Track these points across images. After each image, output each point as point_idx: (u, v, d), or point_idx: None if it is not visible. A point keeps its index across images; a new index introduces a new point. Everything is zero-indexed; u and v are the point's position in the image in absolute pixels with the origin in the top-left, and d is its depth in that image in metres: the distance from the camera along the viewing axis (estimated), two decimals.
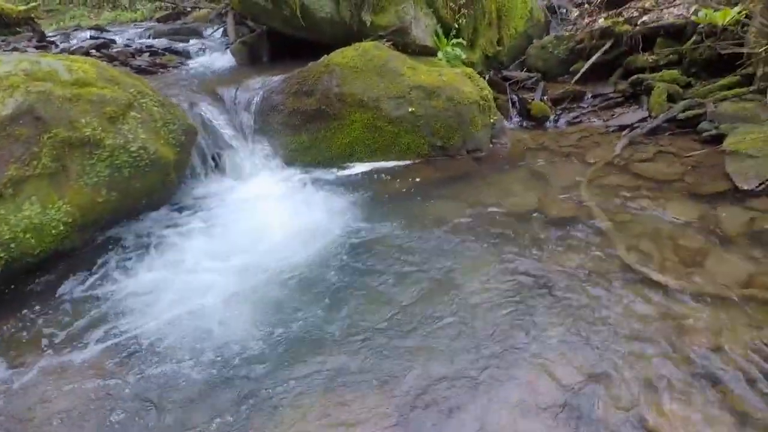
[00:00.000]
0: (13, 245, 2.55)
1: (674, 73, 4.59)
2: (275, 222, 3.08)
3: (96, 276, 2.68)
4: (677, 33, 4.81)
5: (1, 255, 2.51)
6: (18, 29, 6.06)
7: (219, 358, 2.03)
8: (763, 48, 3.76)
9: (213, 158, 3.82)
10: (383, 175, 3.75)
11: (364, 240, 2.86)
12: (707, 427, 1.60)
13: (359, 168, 3.87)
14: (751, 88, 3.96)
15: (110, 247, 2.93)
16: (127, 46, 5.90)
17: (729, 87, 4.14)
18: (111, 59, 5.20)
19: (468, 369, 1.91)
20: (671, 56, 4.75)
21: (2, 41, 5.83)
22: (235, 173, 3.79)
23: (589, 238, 2.74)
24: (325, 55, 4.02)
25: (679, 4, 5.14)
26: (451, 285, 2.43)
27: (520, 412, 1.71)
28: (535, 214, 3.05)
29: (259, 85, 4.15)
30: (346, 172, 3.83)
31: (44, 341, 2.20)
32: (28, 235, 2.60)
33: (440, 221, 3.02)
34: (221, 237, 2.99)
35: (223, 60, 5.42)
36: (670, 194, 3.12)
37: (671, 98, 4.37)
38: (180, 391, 1.89)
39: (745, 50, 4.01)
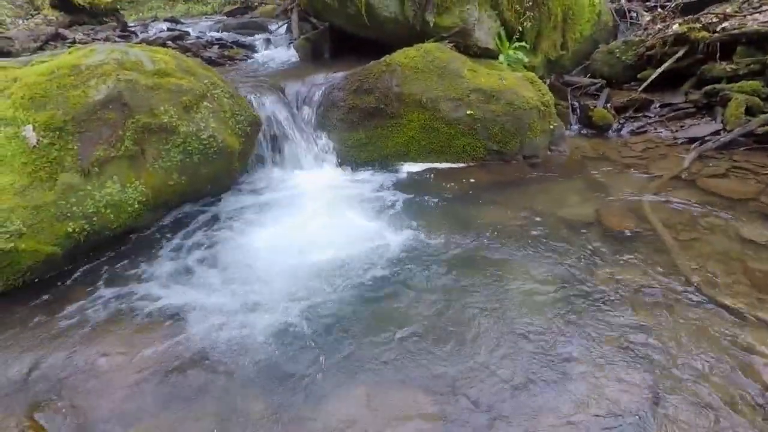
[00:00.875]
0: (95, 219, 2.79)
1: (755, 84, 4.28)
2: (325, 216, 3.18)
3: (162, 253, 2.88)
4: (761, 41, 4.48)
5: (85, 227, 2.76)
6: (105, 19, 6.55)
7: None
8: None
9: (274, 149, 3.99)
10: (437, 176, 3.77)
11: (412, 242, 2.88)
12: None
13: (413, 167, 3.91)
14: None
15: (177, 227, 3.13)
16: (199, 38, 6.24)
17: None
18: (185, 50, 5.52)
19: (514, 375, 1.90)
20: (753, 66, 4.43)
21: (91, 30, 6.33)
22: (294, 165, 3.93)
23: (649, 255, 2.63)
24: (387, 55, 4.08)
25: (765, 11, 4.79)
26: (499, 294, 2.40)
27: (568, 425, 1.69)
28: (591, 226, 2.97)
29: (320, 81, 4.27)
30: (401, 170, 3.88)
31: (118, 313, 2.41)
32: (108, 211, 2.84)
33: (492, 227, 3.00)
34: (274, 225, 3.13)
35: (287, 55, 5.61)
36: (743, 214, 2.94)
37: (750, 111, 4.09)
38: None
39: None
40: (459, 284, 2.48)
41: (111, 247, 2.89)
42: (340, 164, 3.97)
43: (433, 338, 2.12)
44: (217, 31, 7.36)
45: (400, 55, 4.00)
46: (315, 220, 3.15)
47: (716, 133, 4.08)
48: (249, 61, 5.67)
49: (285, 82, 4.35)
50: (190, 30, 7.04)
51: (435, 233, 2.96)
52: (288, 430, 1.74)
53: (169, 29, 6.66)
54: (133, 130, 2.98)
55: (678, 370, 1.89)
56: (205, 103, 3.35)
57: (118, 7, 6.75)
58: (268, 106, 4.03)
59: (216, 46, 5.98)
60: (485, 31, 4.23)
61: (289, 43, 5.97)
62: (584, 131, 4.53)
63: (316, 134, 4.04)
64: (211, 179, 3.40)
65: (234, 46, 6.12)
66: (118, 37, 6.27)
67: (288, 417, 1.78)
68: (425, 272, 2.58)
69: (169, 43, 5.70)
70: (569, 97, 4.78)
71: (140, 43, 5.76)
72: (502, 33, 4.43)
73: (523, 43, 4.51)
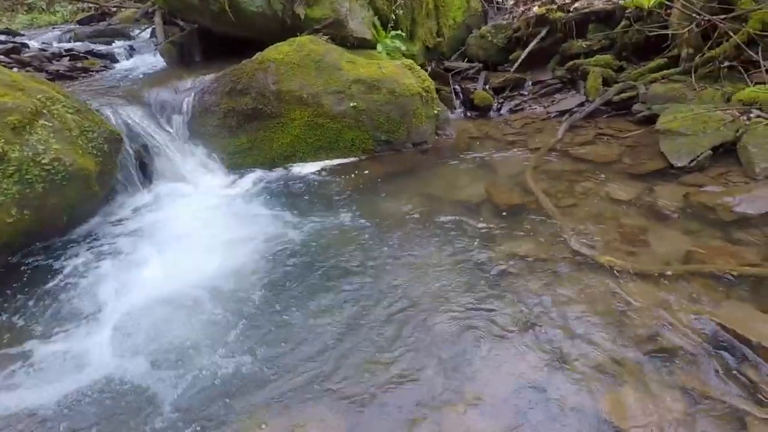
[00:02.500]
0: None
1: (607, 57, 4.73)
2: (213, 229, 2.88)
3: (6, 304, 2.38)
4: (607, 18, 4.96)
5: None
6: None
7: None
8: (686, 29, 3.92)
9: (143, 167, 3.54)
10: (328, 174, 3.62)
11: (310, 241, 2.72)
12: (659, 408, 1.60)
13: (303, 168, 3.72)
14: (678, 69, 4.14)
15: (24, 270, 2.62)
16: (42, 50, 5.41)
17: (658, 69, 4.31)
18: (23, 65, 4.75)
19: (422, 366, 1.83)
20: (603, 41, 4.89)
21: None
22: (170, 181, 3.53)
23: (536, 225, 2.73)
24: (259, 52, 3.83)
25: None
26: (402, 279, 2.34)
27: (473, 410, 1.65)
28: (482, 204, 3.02)
29: (190, 86, 3.89)
30: (290, 172, 3.67)
31: None
32: None
33: (389, 217, 2.94)
34: (154, 251, 2.75)
35: (152, 61, 5.09)
36: (610, 175, 3.19)
37: (606, 82, 4.50)
38: None
39: (669, 32, 4.17)
40: (359, 278, 2.37)
41: None
42: (223, 173, 3.64)
43: (338, 337, 1.97)
44: (68, 41, 6.48)
45: (272, 52, 3.76)
46: (198, 242, 2.80)
47: (582, 104, 4.44)
48: (109, 71, 5.04)
49: (150, 91, 3.90)
50: (31, 42, 6.09)
51: (331, 230, 2.82)
52: None
53: (1, 42, 5.69)
54: None
55: (569, 331, 1.94)
56: (41, 122, 2.84)
57: None
58: (130, 119, 3.56)
59: (66, 58, 5.22)
60: (359, 21, 4.15)
61: (155, 49, 5.41)
62: (468, 113, 4.67)
63: (191, 145, 3.67)
64: (65, 210, 2.90)
65: (89, 57, 5.40)
66: None
67: None
68: (322, 270, 2.43)
69: (2, 57, 4.84)
70: (451, 82, 4.90)
71: None
72: (377, 22, 4.39)
73: (400, 32, 4.52)
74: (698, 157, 3.02)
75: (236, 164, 3.70)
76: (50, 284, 2.50)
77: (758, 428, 1.49)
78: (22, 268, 2.65)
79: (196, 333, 2.09)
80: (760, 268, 2.12)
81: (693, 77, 3.92)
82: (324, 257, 2.59)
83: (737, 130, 3.11)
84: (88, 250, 2.80)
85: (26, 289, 2.48)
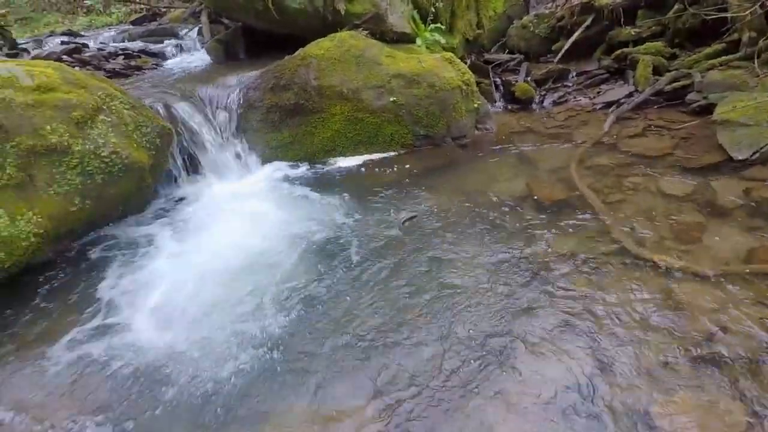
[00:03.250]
0: None
1: (658, 45, 4.50)
2: (256, 224, 2.96)
3: (69, 288, 2.55)
4: (658, 3, 4.71)
5: None
6: None
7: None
8: (748, 11, 3.67)
9: (192, 160, 3.69)
10: (368, 168, 3.65)
11: (350, 237, 2.76)
12: (714, 416, 1.52)
13: (343, 162, 3.76)
14: (738, 54, 3.88)
15: (86, 256, 2.80)
16: (100, 49, 5.72)
17: (715, 55, 4.06)
18: (84, 63, 5.03)
19: (464, 361, 1.82)
20: (654, 28, 4.65)
21: None
22: (216, 174, 3.66)
23: (581, 222, 2.64)
24: (301, 48, 3.89)
25: None
26: (442, 276, 2.33)
27: (514, 412, 1.62)
28: (524, 200, 2.96)
29: (235, 82, 4.01)
30: (330, 167, 3.73)
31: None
32: None
33: (428, 213, 2.93)
34: (198, 242, 2.87)
35: (199, 59, 5.27)
36: (662, 169, 3.04)
37: (657, 71, 4.29)
38: None
39: (729, 15, 3.92)
40: (401, 273, 2.38)
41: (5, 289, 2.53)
42: (265, 167, 3.74)
43: (388, 328, 1.99)
44: (122, 41, 6.82)
45: (313, 48, 3.82)
46: (245, 234, 2.89)
47: (630, 95, 4.25)
48: (159, 69, 5.27)
49: (197, 87, 4.04)
50: (90, 42, 6.46)
51: (372, 226, 2.84)
52: None
53: (63, 43, 6.06)
54: (15, 155, 2.62)
55: (617, 334, 1.87)
56: (101, 117, 3.01)
57: (2, 23, 6.05)
58: (179, 114, 3.72)
59: (120, 57, 5.50)
60: (398, 15, 4.14)
61: (202, 47, 5.62)
62: (509, 106, 4.57)
63: (236, 139, 3.79)
64: (121, 200, 3.08)
65: (141, 55, 5.66)
66: (6, 56, 5.62)
67: None
68: (368, 264, 2.46)
69: (65, 57, 5.16)
70: (491, 75, 4.80)
71: (31, 60, 5.19)
72: (416, 16, 4.36)
73: (439, 25, 4.47)
74: (762, 149, 2.83)
75: (278, 158, 3.79)
76: (113, 266, 2.67)
77: None
78: (87, 252, 2.83)
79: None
80: None
81: (756, 63, 3.66)
82: (363, 251, 2.61)
83: None
84: (142, 236, 2.96)
85: (93, 270, 2.65)
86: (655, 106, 3.97)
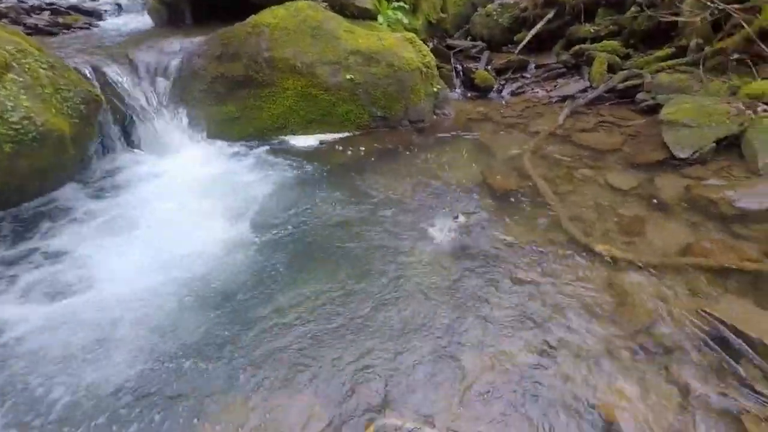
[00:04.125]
0: None
1: (614, 43, 4.59)
2: (193, 203, 2.73)
3: None
4: (618, 3, 4.80)
5: None
6: None
7: None
8: (699, 17, 3.79)
9: (125, 131, 3.36)
10: (321, 149, 3.48)
11: (295, 221, 2.60)
12: (651, 401, 1.53)
13: (294, 141, 3.57)
14: (686, 59, 4.01)
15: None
16: (21, 1, 5.10)
17: (665, 58, 4.18)
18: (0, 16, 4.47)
19: (411, 350, 1.74)
20: (611, 27, 4.74)
21: None
22: (152, 148, 3.36)
23: (532, 210, 2.64)
24: (253, 15, 3.62)
25: None
26: (389, 260, 2.25)
27: (461, 400, 1.57)
28: (479, 188, 2.92)
29: (177, 48, 3.69)
30: (280, 145, 3.52)
31: None
32: None
33: (380, 197, 2.83)
34: (127, 222, 2.60)
35: (140, 21, 4.83)
36: (610, 164, 3.09)
37: (611, 69, 4.37)
38: None
39: (680, 19, 4.03)
40: (347, 258, 2.26)
41: None
42: (208, 142, 3.48)
43: (335, 323, 1.87)
44: None
45: (267, 15, 3.56)
46: (179, 217, 2.65)
47: (584, 90, 4.31)
48: (92, 29, 4.77)
49: (135, 51, 3.68)
50: None
51: (317, 209, 2.70)
52: None
53: None
54: None
55: (562, 322, 1.86)
56: (10, 76, 2.65)
57: None
58: (112, 79, 3.37)
59: (46, 12, 4.94)
60: None
61: (143, 8, 5.15)
62: (468, 93, 4.51)
63: (175, 110, 3.48)
64: (37, 174, 2.74)
65: (72, 12, 5.12)
66: None
67: None
68: (308, 251, 2.33)
69: None
70: (452, 60, 4.73)
71: None
72: None
73: (402, 4, 4.32)
74: (702, 149, 2.93)
75: (223, 133, 3.53)
76: (28, 248, 2.36)
77: (756, 426, 1.43)
78: None
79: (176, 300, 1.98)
80: (761, 263, 2.05)
81: (701, 68, 3.80)
82: (308, 236, 2.47)
83: (742, 124, 3.01)
84: (62, 216, 2.65)
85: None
86: (608, 103, 4.04)
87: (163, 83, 3.52)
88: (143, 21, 4.87)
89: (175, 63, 3.56)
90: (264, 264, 2.25)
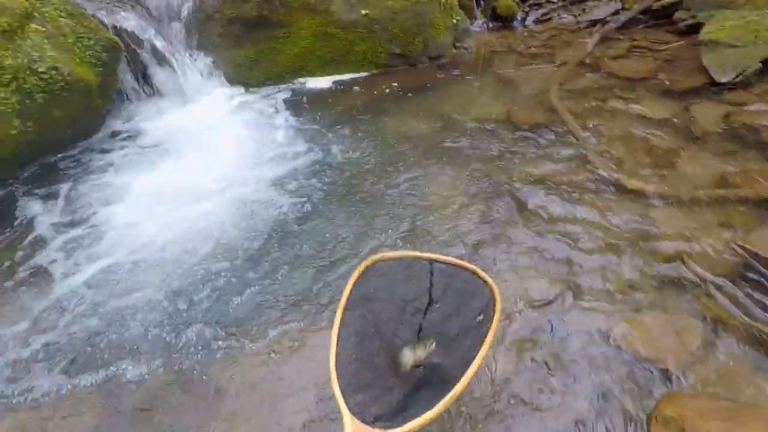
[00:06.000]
0: None
1: None
2: (221, 149, 2.78)
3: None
4: None
5: None
6: None
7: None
8: None
9: (145, 78, 3.36)
10: (341, 90, 3.43)
11: (321, 164, 2.63)
12: (677, 335, 1.58)
13: (314, 83, 3.51)
14: None
15: (36, 184, 2.59)
16: None
17: None
18: None
19: None
20: None
21: None
22: (174, 94, 3.36)
23: (559, 146, 2.58)
24: None
25: None
26: (420, 202, 2.27)
27: None
28: (503, 124, 2.86)
29: None
30: (300, 87, 3.47)
31: None
32: None
33: (404, 137, 2.80)
34: (161, 167, 2.68)
35: None
36: (643, 93, 2.96)
37: None
38: None
39: None
40: (376, 199, 2.30)
41: None
42: (229, 87, 3.46)
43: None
44: None
45: None
46: (210, 158, 2.71)
47: (617, 12, 4.04)
48: None
49: None
50: None
51: (342, 153, 2.70)
52: None
53: None
54: None
55: (589, 257, 1.89)
56: (33, 26, 2.64)
57: None
58: (127, 25, 3.31)
59: None
60: None
61: None
62: (490, 24, 4.29)
63: (194, 55, 3.43)
64: (68, 122, 2.80)
65: None
66: None
67: None
68: (343, 192, 2.37)
69: None
70: None
71: None
72: None
73: None
74: (745, 71, 2.75)
75: (242, 77, 3.49)
76: (67, 192, 2.49)
77: None
78: (36, 181, 2.61)
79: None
80: None
81: None
82: (333, 178, 2.50)
83: None
84: (95, 162, 2.75)
85: (46, 196, 2.46)
86: (643, 26, 3.79)
87: (178, 27, 3.45)
88: None
89: (188, 5, 3.45)
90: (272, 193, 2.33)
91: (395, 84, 3.44)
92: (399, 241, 2.04)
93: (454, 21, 3.70)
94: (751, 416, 1.25)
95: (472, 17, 4.26)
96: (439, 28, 3.57)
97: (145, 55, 3.30)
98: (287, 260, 1.97)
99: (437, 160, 2.57)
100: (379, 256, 1.35)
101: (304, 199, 2.34)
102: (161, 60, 3.34)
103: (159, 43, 3.39)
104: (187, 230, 2.15)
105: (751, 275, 1.71)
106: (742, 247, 1.77)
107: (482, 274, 1.30)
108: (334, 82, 3.50)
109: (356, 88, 3.43)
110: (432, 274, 1.34)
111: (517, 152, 2.58)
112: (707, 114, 2.61)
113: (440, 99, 3.23)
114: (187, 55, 3.44)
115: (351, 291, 1.24)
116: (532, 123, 2.81)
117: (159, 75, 3.33)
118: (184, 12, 3.48)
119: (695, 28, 3.32)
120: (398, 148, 2.71)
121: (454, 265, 1.34)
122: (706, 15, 3.34)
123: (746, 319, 1.58)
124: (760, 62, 2.75)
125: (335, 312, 1.21)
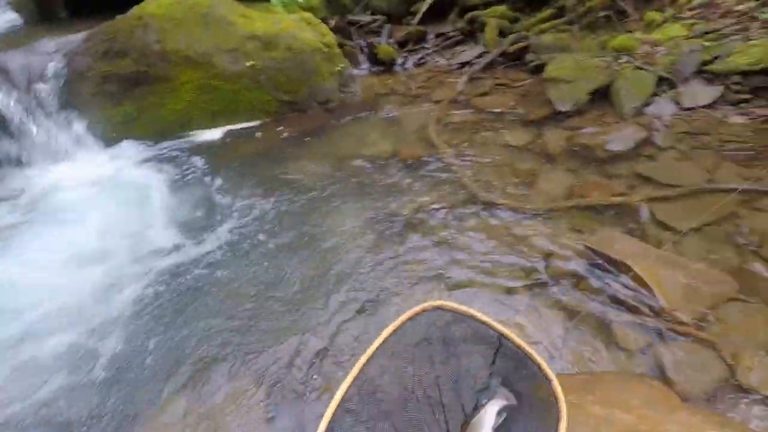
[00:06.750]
0: None
1: (502, 8, 4.89)
2: (94, 216, 2.62)
3: None
4: None
5: None
6: None
7: None
8: None
9: (9, 145, 3.09)
10: (231, 140, 3.44)
11: (214, 215, 2.61)
12: (546, 328, 1.80)
13: (202, 136, 3.48)
14: (563, 19, 4.39)
15: None
16: None
17: (548, 19, 4.55)
18: None
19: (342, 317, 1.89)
20: None
21: None
22: (44, 160, 3.13)
23: (439, 176, 2.85)
24: (135, 5, 3.42)
25: None
26: (318, 239, 2.37)
27: None
28: (390, 160, 3.08)
29: (54, 48, 3.39)
30: (186, 141, 3.42)
31: None
32: None
33: (298, 180, 2.90)
34: (11, 245, 2.46)
35: (3, 19, 4.33)
36: (506, 123, 3.38)
37: (502, 33, 4.67)
38: None
39: None
40: (273, 245, 2.35)
41: None
42: (108, 147, 3.30)
43: (261, 300, 1.95)
44: None
45: (151, 5, 3.38)
46: (82, 230, 2.54)
47: (480, 56, 4.57)
48: None
49: (5, 55, 3.34)
50: None
51: (236, 202, 2.72)
52: None
53: None
54: None
55: (470, 268, 2.10)
56: None
57: None
58: None
59: None
60: None
61: (7, 3, 4.61)
62: (373, 68, 4.61)
63: (64, 117, 3.24)
64: None
65: None
66: None
67: None
68: (234, 244, 2.38)
69: None
70: (354, 36, 4.78)
71: None
72: None
73: None
74: (578, 102, 3.29)
75: (122, 135, 3.35)
76: None
77: (621, 331, 1.75)
78: None
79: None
80: (625, 196, 2.42)
81: (576, 27, 4.19)
82: (231, 227, 2.51)
83: (610, 75, 3.42)
84: None
85: None
86: (502, 66, 4.34)
87: (44, 88, 3.25)
88: (6, 18, 4.38)
89: (53, 65, 3.28)
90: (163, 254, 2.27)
91: (287, 130, 3.54)
92: (301, 281, 2.09)
93: (338, 68, 3.94)
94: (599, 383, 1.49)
95: (356, 63, 4.56)
96: (323, 75, 3.78)
97: (9, 121, 3.06)
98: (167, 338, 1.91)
99: (332, 199, 2.69)
100: (438, 302, 1.16)
101: (188, 265, 2.29)
102: (26, 125, 3.11)
103: (22, 107, 3.17)
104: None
105: (596, 268, 2.03)
106: (587, 246, 2.09)
107: (550, 373, 1.09)
108: (225, 133, 3.51)
109: (249, 136, 3.47)
110: (497, 353, 1.15)
111: (403, 185, 2.79)
112: (555, 138, 3.06)
113: (331, 141, 3.39)
114: (59, 117, 3.24)
115: (390, 334, 1.02)
116: (416, 157, 3.07)
117: (28, 141, 3.10)
118: (52, 72, 3.30)
119: (541, 68, 3.89)
120: (291, 190, 2.79)
121: (525, 352, 1.14)
122: (548, 57, 3.94)
123: (596, 304, 1.87)
124: (588, 94, 3.32)
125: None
